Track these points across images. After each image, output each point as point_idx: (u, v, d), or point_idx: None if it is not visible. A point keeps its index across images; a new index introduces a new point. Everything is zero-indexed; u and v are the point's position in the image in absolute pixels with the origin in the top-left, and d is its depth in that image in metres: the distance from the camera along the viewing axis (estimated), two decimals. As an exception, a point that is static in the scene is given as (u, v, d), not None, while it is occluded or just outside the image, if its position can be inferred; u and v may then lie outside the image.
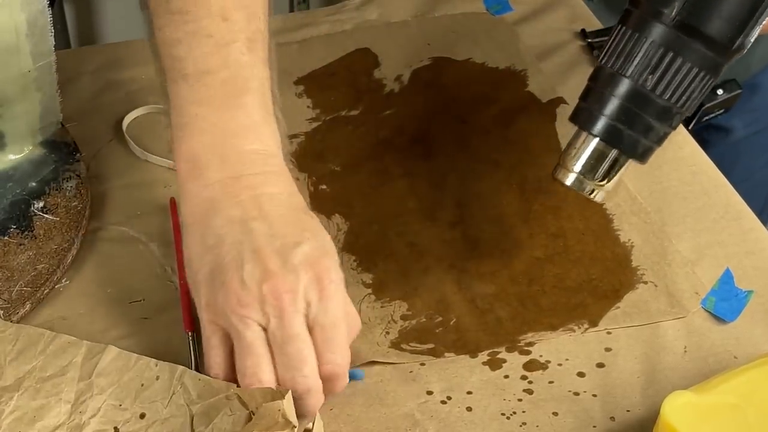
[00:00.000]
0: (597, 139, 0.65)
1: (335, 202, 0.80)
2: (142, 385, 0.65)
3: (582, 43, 0.96)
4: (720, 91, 1.00)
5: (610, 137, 0.65)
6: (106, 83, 0.90)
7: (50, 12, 0.73)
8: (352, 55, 0.95)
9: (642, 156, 0.66)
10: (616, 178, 0.67)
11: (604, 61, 0.66)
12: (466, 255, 0.77)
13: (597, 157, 0.66)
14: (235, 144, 0.64)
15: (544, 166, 0.84)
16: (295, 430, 0.58)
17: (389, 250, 0.77)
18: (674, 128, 0.66)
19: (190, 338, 0.69)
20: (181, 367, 0.65)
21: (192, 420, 0.63)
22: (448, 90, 0.91)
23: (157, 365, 0.66)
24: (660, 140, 0.66)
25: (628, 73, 0.64)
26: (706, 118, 1.02)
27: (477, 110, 0.89)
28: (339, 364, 0.61)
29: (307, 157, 0.84)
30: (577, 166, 0.66)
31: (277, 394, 0.60)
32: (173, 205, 0.78)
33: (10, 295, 0.70)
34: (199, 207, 0.63)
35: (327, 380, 0.61)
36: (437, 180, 0.82)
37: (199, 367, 0.67)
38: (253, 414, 0.61)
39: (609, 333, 0.72)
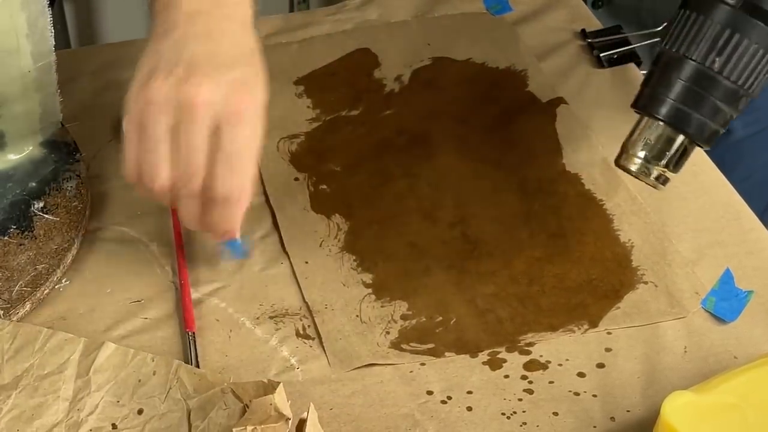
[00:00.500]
0: (663, 124, 0.65)
1: (335, 202, 0.80)
2: (139, 380, 0.65)
3: (582, 43, 0.96)
4: None
5: (677, 120, 0.65)
6: (106, 83, 0.90)
7: (50, 12, 0.73)
8: (352, 55, 0.95)
9: (708, 140, 0.65)
10: (682, 164, 0.66)
11: (668, 46, 0.65)
12: (466, 255, 0.77)
13: (664, 142, 0.65)
14: None
15: (544, 166, 0.84)
16: (289, 422, 0.59)
17: (389, 250, 0.77)
18: (741, 111, 0.65)
19: (191, 338, 0.69)
20: (176, 361, 0.66)
21: (189, 414, 0.63)
22: (448, 90, 0.91)
23: (153, 360, 0.66)
24: (725, 123, 0.65)
25: (694, 56, 0.63)
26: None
27: (477, 110, 0.89)
28: (235, 185, 0.64)
29: (307, 157, 0.84)
30: (644, 152, 0.66)
31: (269, 387, 0.60)
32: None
33: (10, 295, 0.70)
34: (159, 28, 0.66)
35: (218, 203, 0.64)
36: (437, 180, 0.82)
37: (200, 367, 0.67)
38: (247, 407, 0.61)
39: (609, 333, 0.72)
